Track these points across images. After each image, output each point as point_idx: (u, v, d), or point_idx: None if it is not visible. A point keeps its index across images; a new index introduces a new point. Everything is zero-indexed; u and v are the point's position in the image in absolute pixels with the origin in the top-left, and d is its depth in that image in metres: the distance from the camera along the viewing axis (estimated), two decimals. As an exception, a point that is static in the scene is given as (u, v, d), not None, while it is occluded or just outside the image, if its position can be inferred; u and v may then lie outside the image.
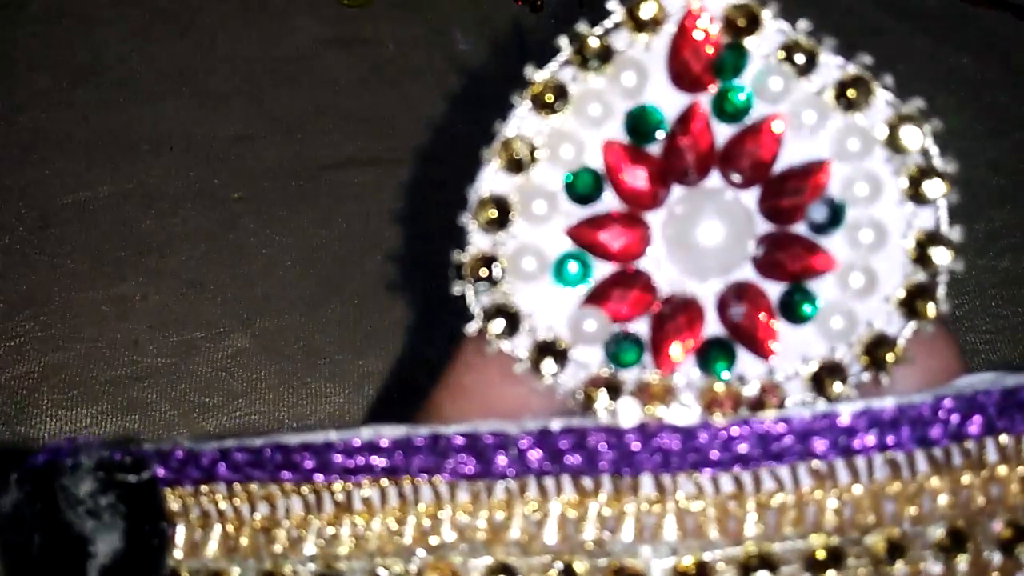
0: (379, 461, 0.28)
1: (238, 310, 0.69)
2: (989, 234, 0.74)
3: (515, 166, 0.29)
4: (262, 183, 0.76)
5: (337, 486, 0.29)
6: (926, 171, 0.29)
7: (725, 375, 0.29)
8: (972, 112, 0.81)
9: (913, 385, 0.29)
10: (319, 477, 0.29)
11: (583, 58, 0.29)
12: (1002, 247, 0.73)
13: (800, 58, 0.28)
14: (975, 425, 0.28)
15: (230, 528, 0.30)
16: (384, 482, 0.29)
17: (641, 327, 0.29)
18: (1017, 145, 0.79)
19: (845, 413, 0.27)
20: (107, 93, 0.81)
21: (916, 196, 0.29)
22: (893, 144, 0.29)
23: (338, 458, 0.28)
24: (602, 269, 0.29)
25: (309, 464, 0.29)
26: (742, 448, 0.27)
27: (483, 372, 0.30)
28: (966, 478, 0.28)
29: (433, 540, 0.29)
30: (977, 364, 0.66)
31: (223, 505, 0.30)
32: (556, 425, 0.28)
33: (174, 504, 0.30)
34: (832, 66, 0.29)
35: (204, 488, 0.30)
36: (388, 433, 0.28)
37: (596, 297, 0.29)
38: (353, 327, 0.68)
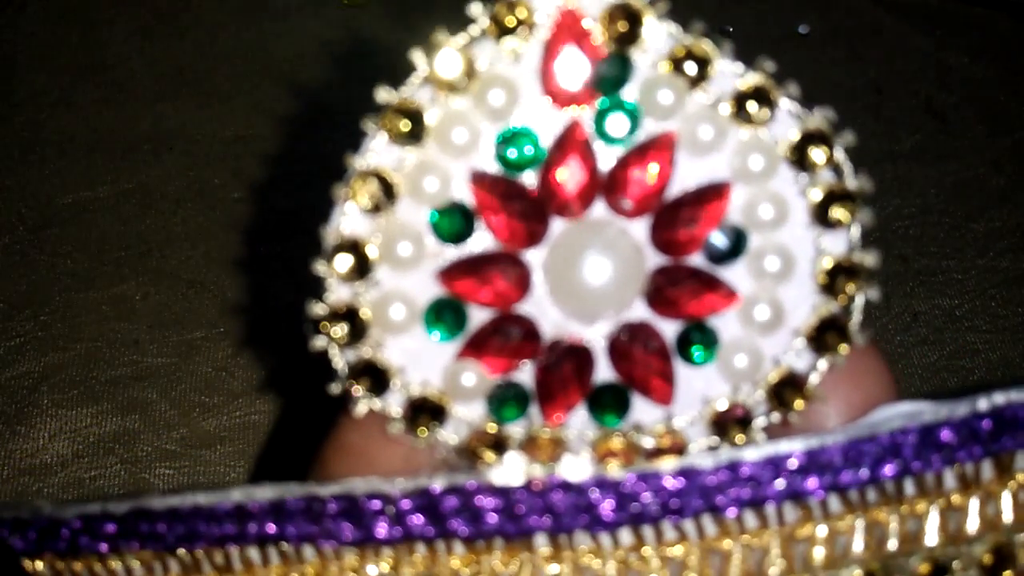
0: (251, 527, 0.26)
1: (238, 310, 0.69)
2: (989, 234, 0.74)
3: (373, 205, 0.26)
4: (262, 183, 0.76)
5: (215, 550, 0.26)
6: (837, 191, 0.25)
7: (618, 425, 0.26)
8: (972, 112, 0.81)
9: (831, 417, 0.27)
10: (186, 546, 0.26)
11: (441, 76, 0.25)
12: (1002, 247, 0.73)
13: (692, 67, 0.25)
14: (889, 468, 0.25)
15: None
16: (264, 545, 0.26)
17: (526, 375, 0.27)
18: (1017, 145, 0.79)
19: (748, 463, 0.24)
20: (107, 93, 0.81)
21: (825, 219, 0.25)
22: (800, 161, 0.25)
23: (206, 526, 0.26)
24: (479, 315, 0.27)
25: (176, 532, 0.26)
26: (637, 506, 0.25)
27: (365, 429, 0.28)
28: (881, 516, 0.26)
29: None
30: (977, 364, 0.66)
31: (97, 569, 0.27)
32: (438, 485, 0.25)
33: (43, 569, 0.28)
34: (730, 75, 0.26)
35: (72, 560, 0.27)
36: (261, 496, 0.26)
37: (474, 347, 0.26)
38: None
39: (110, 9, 0.87)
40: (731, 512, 0.25)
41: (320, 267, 0.26)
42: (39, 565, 0.28)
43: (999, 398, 0.25)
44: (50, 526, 0.27)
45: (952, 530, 0.26)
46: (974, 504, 0.26)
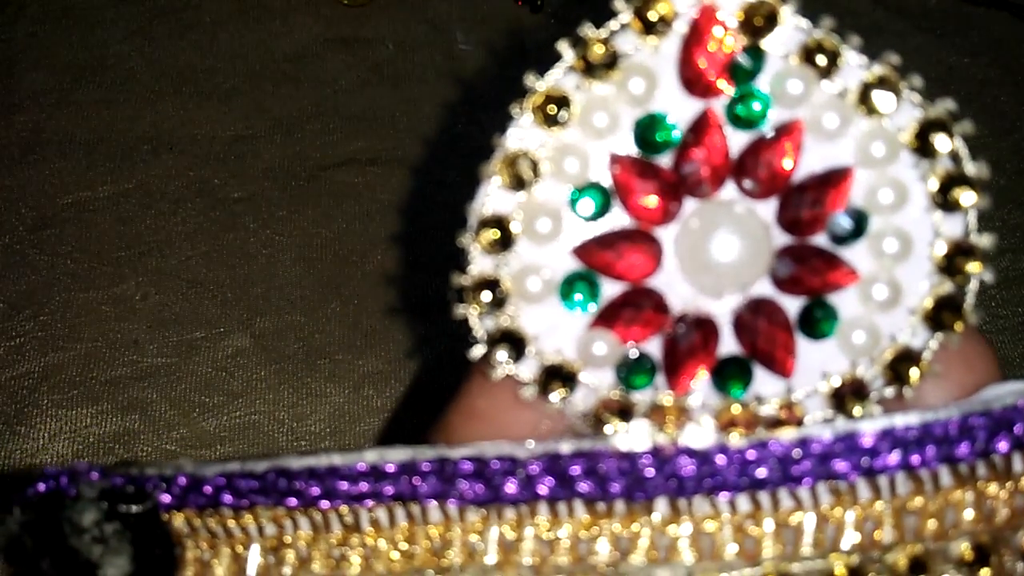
0: (385, 487, 0.27)
1: (238, 310, 0.69)
2: (989, 234, 0.74)
3: (517, 183, 0.27)
4: (262, 183, 0.76)
5: (344, 508, 0.28)
6: (955, 177, 0.27)
7: (741, 396, 0.27)
8: (972, 112, 0.80)
9: (942, 398, 0.28)
10: (324, 504, 0.28)
11: (587, 64, 0.27)
12: (1002, 247, 0.73)
13: (821, 59, 0.27)
14: (1003, 442, 0.26)
15: (239, 548, 0.29)
16: (393, 505, 0.28)
17: (653, 347, 0.28)
18: (1017, 145, 0.79)
19: (867, 433, 0.26)
20: (107, 93, 0.81)
21: (944, 203, 0.27)
22: (920, 149, 0.27)
23: (343, 484, 0.28)
24: (611, 288, 0.28)
25: (314, 491, 0.28)
26: (760, 472, 0.26)
27: (495, 395, 0.29)
28: (991, 489, 0.27)
29: (443, 562, 0.28)
30: (977, 364, 0.66)
31: (231, 525, 0.29)
32: (566, 449, 0.26)
33: (181, 525, 0.30)
34: (855, 67, 0.27)
35: (211, 512, 0.29)
36: (394, 457, 0.27)
37: (605, 318, 0.28)
38: (353, 327, 0.68)
39: (110, 9, 0.87)
40: (847, 481, 0.26)
41: (465, 239, 0.28)
42: (178, 520, 0.29)
43: None
44: (193, 481, 0.29)
45: None
46: None
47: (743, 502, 0.26)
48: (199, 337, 0.67)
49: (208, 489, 0.29)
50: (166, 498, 0.29)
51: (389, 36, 0.85)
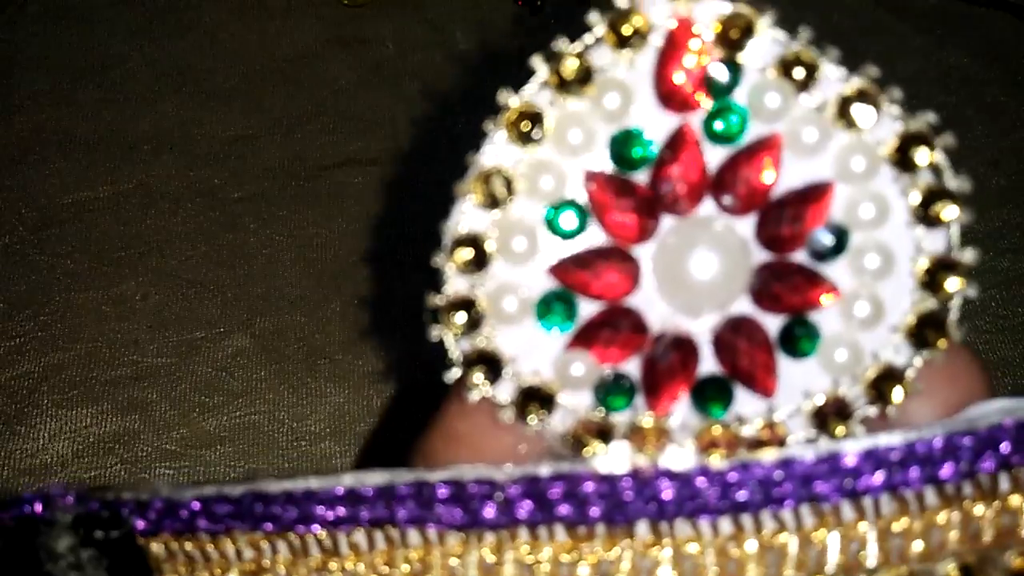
0: (363, 511, 0.27)
1: (238, 310, 0.69)
2: (989, 234, 0.74)
3: (491, 201, 0.27)
4: (262, 183, 0.76)
5: (323, 532, 0.28)
6: (937, 191, 0.26)
7: (722, 416, 0.27)
8: (972, 112, 0.81)
9: (927, 416, 0.27)
10: (301, 528, 0.27)
11: (561, 79, 0.26)
12: (1002, 247, 0.73)
13: (799, 72, 0.26)
14: (988, 462, 0.26)
15: (217, 572, 0.29)
16: (371, 529, 0.27)
17: (632, 367, 0.27)
18: (1017, 145, 0.79)
19: (850, 454, 0.25)
20: (107, 93, 0.81)
21: (926, 218, 0.26)
22: (901, 163, 0.26)
23: (320, 509, 0.27)
24: (589, 308, 0.28)
25: (291, 515, 0.27)
26: (741, 495, 0.25)
27: (473, 417, 0.28)
28: (977, 510, 0.26)
29: None
30: (977, 364, 0.66)
31: (209, 549, 0.29)
32: (545, 472, 0.26)
33: (158, 551, 0.29)
34: (834, 79, 0.27)
35: (188, 538, 0.29)
36: (371, 481, 0.27)
37: (583, 338, 0.27)
38: (353, 327, 0.68)
39: (110, 9, 0.87)
40: (830, 503, 0.25)
41: (439, 259, 0.27)
42: (155, 545, 0.29)
43: None
44: (169, 507, 0.28)
45: None
46: None
47: (725, 524, 0.26)
48: (199, 337, 0.67)
49: (184, 514, 0.28)
50: (142, 523, 0.29)
51: (389, 36, 0.85)
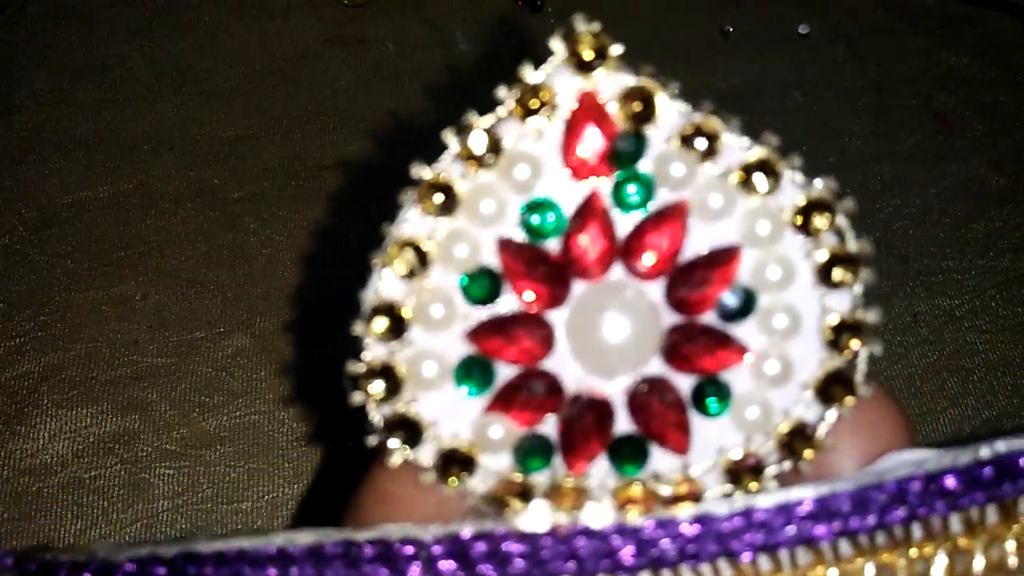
0: (292, 571, 0.27)
1: (238, 310, 0.69)
2: (989, 234, 0.74)
3: (407, 271, 0.28)
4: (262, 183, 0.76)
5: None
6: (839, 256, 0.27)
7: (638, 474, 0.28)
8: (972, 112, 0.81)
9: (847, 464, 0.28)
10: None
11: (471, 153, 0.27)
12: (1002, 247, 0.73)
13: (701, 142, 0.27)
14: (896, 516, 0.27)
15: None
16: None
17: (550, 428, 0.28)
18: (1017, 145, 0.79)
19: (762, 509, 0.26)
20: (107, 93, 0.81)
21: (830, 280, 0.27)
22: (804, 227, 0.27)
23: (250, 571, 0.28)
24: (506, 371, 0.28)
25: (222, 575, 0.28)
26: (657, 551, 0.26)
27: (400, 478, 0.29)
28: (891, 558, 0.27)
29: None
30: (977, 364, 0.66)
31: None
32: (467, 532, 0.27)
33: None
34: (736, 148, 0.28)
35: None
36: (301, 541, 0.27)
37: (501, 401, 0.28)
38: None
39: (110, 9, 0.87)
40: (746, 557, 0.26)
41: (358, 327, 0.28)
42: None
43: (1001, 446, 0.27)
44: (103, 568, 0.28)
45: (960, 572, 0.27)
46: (980, 547, 0.27)
47: None
48: (199, 337, 0.67)
49: (119, 573, 0.28)
50: None
51: (389, 36, 0.85)
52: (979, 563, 0.27)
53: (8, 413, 0.63)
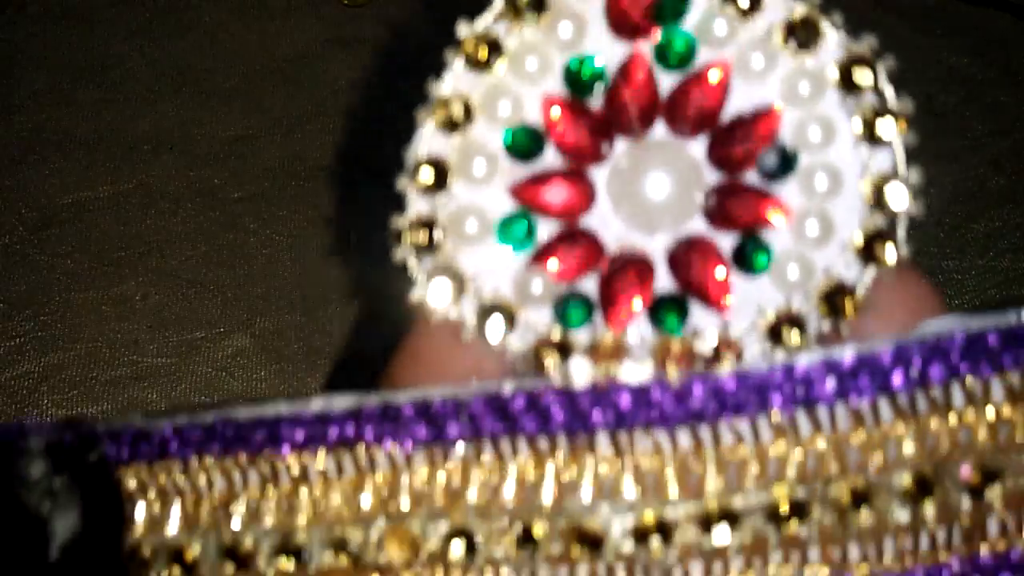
0: (331, 430, 0.28)
1: (238, 310, 0.69)
2: (989, 234, 0.74)
3: (451, 126, 0.28)
4: (262, 183, 0.76)
5: (292, 458, 0.28)
6: (881, 111, 0.27)
7: (678, 331, 0.28)
8: (972, 112, 0.81)
9: (880, 334, 0.28)
10: (270, 449, 0.28)
11: (516, 10, 0.28)
12: (1002, 247, 0.73)
13: (744, 1, 0.27)
14: (937, 372, 0.27)
15: (189, 504, 0.29)
16: (340, 452, 0.28)
17: (590, 285, 0.28)
18: (1017, 145, 0.79)
19: (802, 364, 0.27)
20: (107, 93, 0.81)
21: (871, 138, 0.27)
22: (845, 85, 0.28)
23: (289, 430, 0.28)
24: (547, 228, 0.29)
25: (260, 437, 0.28)
26: (697, 403, 0.27)
27: (437, 338, 0.29)
28: (932, 424, 0.27)
29: (391, 508, 0.28)
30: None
31: (180, 481, 0.29)
32: (507, 388, 0.27)
33: (131, 482, 0.30)
34: (778, 7, 0.28)
35: (160, 467, 0.29)
36: (339, 403, 0.28)
37: (542, 257, 0.28)
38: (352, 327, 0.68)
39: (110, 9, 0.87)
40: (786, 412, 0.26)
41: (403, 182, 0.28)
42: (128, 477, 0.29)
43: None
44: (141, 433, 0.29)
45: (1002, 440, 0.27)
46: (1020, 417, 0.27)
47: (684, 438, 0.27)
48: (199, 337, 0.67)
49: (156, 439, 0.29)
50: (115, 451, 0.29)
51: (389, 36, 0.85)
52: (1023, 433, 0.27)
53: (8, 413, 0.63)
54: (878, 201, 0.27)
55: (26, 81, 0.81)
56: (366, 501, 0.28)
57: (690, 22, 0.28)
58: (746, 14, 0.27)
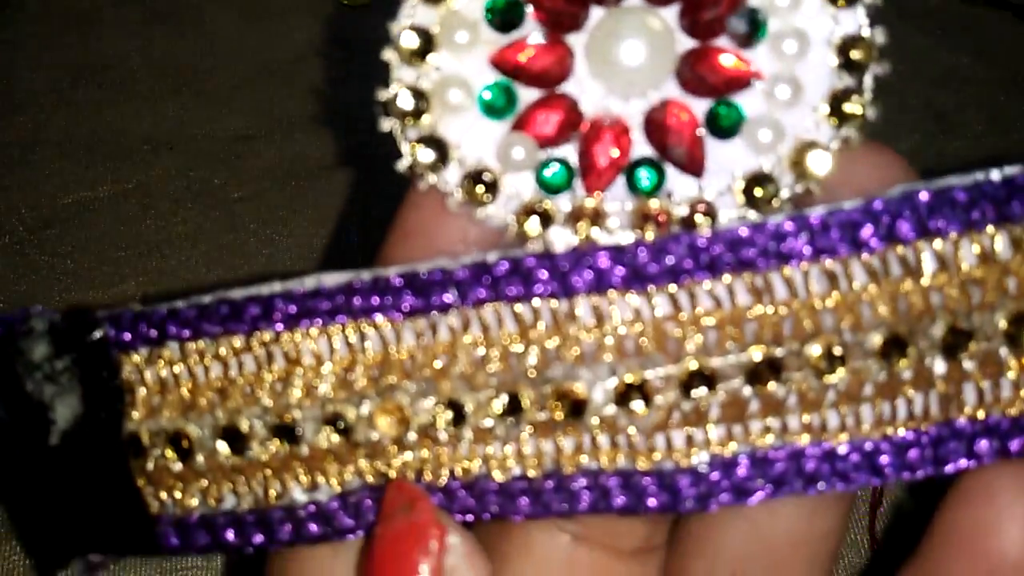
0: (322, 303, 0.29)
1: (238, 310, 0.69)
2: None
3: None
4: (262, 183, 0.76)
5: (286, 338, 0.29)
6: None
7: (654, 193, 0.29)
8: (972, 112, 0.81)
9: (854, 194, 0.29)
10: (264, 325, 0.29)
11: None
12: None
13: None
14: (906, 223, 0.28)
15: (185, 390, 0.30)
16: (331, 330, 0.29)
17: (570, 151, 0.29)
18: (1017, 145, 0.79)
19: (775, 222, 0.28)
20: (107, 93, 0.81)
21: (836, 1, 0.29)
22: None
23: (281, 304, 0.29)
24: (527, 95, 0.30)
25: (254, 312, 0.30)
26: (672, 260, 0.28)
27: (424, 209, 0.30)
28: (905, 285, 0.28)
29: (381, 384, 0.29)
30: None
31: (178, 368, 0.30)
32: (492, 256, 0.29)
33: (130, 369, 0.31)
34: None
35: (158, 352, 0.30)
36: (330, 280, 0.29)
37: (522, 123, 0.29)
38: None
39: (110, 9, 0.87)
40: (759, 270, 0.28)
41: (388, 52, 0.30)
42: (127, 365, 0.31)
43: (1011, 170, 0.29)
44: (140, 315, 0.30)
45: (975, 301, 0.28)
46: (992, 277, 0.28)
47: (662, 303, 0.28)
48: (199, 337, 0.67)
49: (155, 318, 0.30)
50: (114, 333, 0.30)
51: (389, 36, 0.85)
52: (992, 294, 0.28)
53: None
54: (845, 63, 0.28)
55: (26, 81, 0.81)
56: (357, 378, 0.29)
57: None
58: None
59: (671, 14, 0.29)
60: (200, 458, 0.30)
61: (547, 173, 0.29)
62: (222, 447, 0.30)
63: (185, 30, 0.86)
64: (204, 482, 0.30)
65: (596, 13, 0.29)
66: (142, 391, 0.31)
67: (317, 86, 0.83)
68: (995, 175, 0.28)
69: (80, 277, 0.70)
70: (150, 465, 0.31)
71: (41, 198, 0.74)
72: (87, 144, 0.77)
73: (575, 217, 0.29)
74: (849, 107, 0.28)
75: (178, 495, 0.31)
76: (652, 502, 0.28)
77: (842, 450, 0.28)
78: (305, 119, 0.80)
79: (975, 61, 0.84)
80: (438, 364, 0.29)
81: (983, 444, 0.28)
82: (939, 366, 0.28)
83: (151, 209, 0.74)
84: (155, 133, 0.79)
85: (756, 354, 0.28)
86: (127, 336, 0.31)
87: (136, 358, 0.31)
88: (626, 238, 0.28)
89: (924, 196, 0.28)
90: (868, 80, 0.29)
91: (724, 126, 0.29)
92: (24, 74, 0.82)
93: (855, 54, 0.28)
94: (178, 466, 0.30)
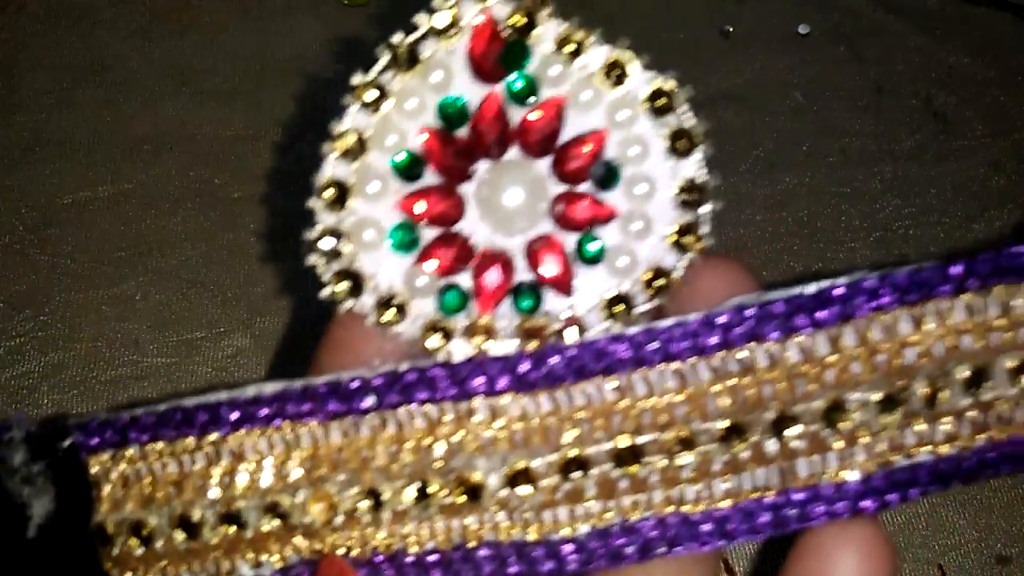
0: (260, 411, 0.34)
1: (238, 310, 0.69)
2: (989, 234, 0.74)
3: (350, 154, 0.35)
4: (262, 183, 0.76)
5: (231, 439, 0.35)
6: (680, 131, 0.35)
7: (535, 312, 0.35)
8: (972, 112, 0.81)
9: (701, 306, 0.34)
10: (212, 428, 0.35)
11: (398, 63, 0.36)
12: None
13: (571, 48, 0.35)
14: (739, 330, 0.34)
15: (146, 485, 0.35)
16: (269, 432, 0.35)
17: (464, 279, 0.35)
18: (1017, 145, 0.79)
19: (631, 333, 0.34)
20: (107, 93, 0.81)
21: (675, 151, 0.35)
22: (653, 111, 0.35)
23: (225, 411, 0.35)
24: (428, 233, 0.35)
25: (203, 418, 0.35)
26: (550, 367, 0.34)
27: (348, 328, 0.36)
28: (743, 381, 0.34)
29: (313, 475, 0.34)
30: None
31: (139, 467, 0.36)
32: (403, 366, 0.34)
33: (96, 469, 0.36)
34: (599, 52, 0.35)
35: (122, 453, 0.36)
36: (269, 388, 0.35)
37: (424, 257, 0.35)
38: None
39: (110, 9, 0.87)
40: (622, 374, 0.34)
41: (313, 201, 0.36)
42: (94, 465, 0.36)
43: (825, 283, 0.34)
44: (105, 422, 0.36)
45: (799, 392, 0.34)
46: (812, 371, 0.34)
47: (545, 402, 0.34)
48: (199, 337, 0.67)
49: (118, 425, 0.36)
50: (83, 438, 0.36)
51: (389, 36, 0.85)
52: (814, 386, 0.34)
53: (8, 413, 0.63)
54: (686, 202, 0.35)
55: (26, 81, 0.81)
56: (292, 471, 0.35)
57: (532, 68, 0.35)
58: (574, 59, 0.35)
59: (544, 164, 0.35)
60: (159, 544, 0.35)
61: (446, 297, 0.35)
62: (178, 534, 0.35)
63: (185, 30, 0.86)
64: (164, 563, 0.35)
65: (483, 165, 0.35)
66: (107, 487, 0.36)
67: (317, 86, 0.83)
68: (811, 288, 0.34)
69: (80, 277, 0.70)
70: (116, 551, 0.36)
71: (41, 198, 0.74)
72: (87, 144, 0.78)
73: (470, 333, 0.35)
74: (689, 240, 0.35)
75: None
76: (543, 568, 0.34)
77: (696, 518, 0.34)
78: (305, 119, 0.80)
79: (975, 61, 0.84)
80: (360, 458, 0.34)
81: (816, 509, 0.34)
82: (771, 445, 0.34)
83: (151, 209, 0.74)
84: (155, 133, 0.79)
85: (622, 442, 0.34)
86: (94, 440, 0.36)
87: (103, 458, 0.36)
88: (513, 349, 0.34)
89: (751, 310, 0.34)
90: (705, 214, 0.35)
91: (589, 255, 0.35)
92: (25, 74, 0.82)
93: (692, 195, 0.35)
94: (140, 551, 0.35)
